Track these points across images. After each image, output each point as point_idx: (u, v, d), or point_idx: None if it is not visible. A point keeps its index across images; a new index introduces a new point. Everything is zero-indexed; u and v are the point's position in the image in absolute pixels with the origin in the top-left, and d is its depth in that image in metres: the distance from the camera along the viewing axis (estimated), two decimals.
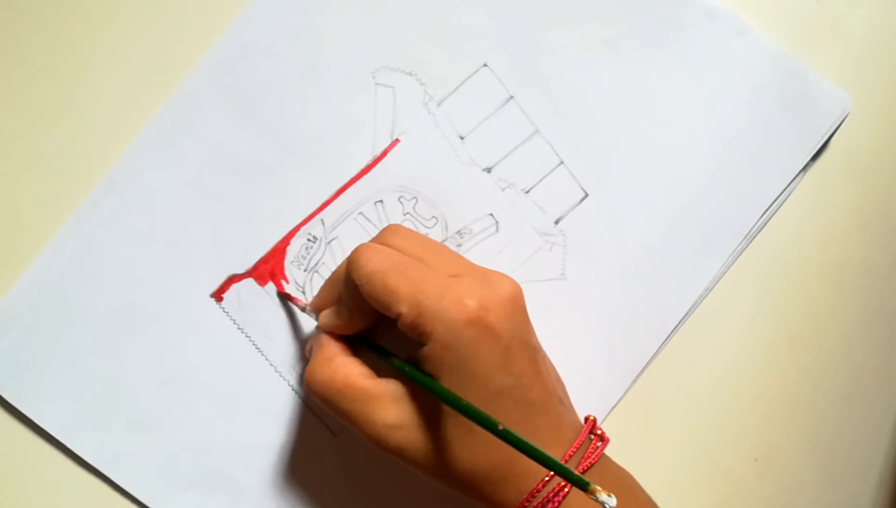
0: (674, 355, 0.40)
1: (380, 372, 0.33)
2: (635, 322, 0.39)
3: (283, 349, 0.38)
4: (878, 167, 0.41)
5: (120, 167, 0.37)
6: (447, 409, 0.31)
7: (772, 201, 0.40)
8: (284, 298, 0.38)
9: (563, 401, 0.33)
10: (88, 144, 0.38)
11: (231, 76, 0.38)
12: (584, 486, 0.25)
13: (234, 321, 0.38)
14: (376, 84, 0.38)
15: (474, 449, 0.31)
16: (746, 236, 0.40)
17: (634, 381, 0.39)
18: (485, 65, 0.39)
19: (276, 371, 0.38)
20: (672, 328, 0.39)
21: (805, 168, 0.40)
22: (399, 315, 0.30)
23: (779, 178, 0.40)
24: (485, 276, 0.32)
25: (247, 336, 0.38)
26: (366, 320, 0.33)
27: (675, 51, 0.39)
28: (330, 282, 0.36)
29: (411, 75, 0.39)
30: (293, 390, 0.38)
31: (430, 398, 0.31)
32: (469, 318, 0.30)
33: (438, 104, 0.39)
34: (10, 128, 0.38)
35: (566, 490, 0.30)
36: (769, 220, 0.40)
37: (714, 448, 0.40)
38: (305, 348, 0.37)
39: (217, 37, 0.38)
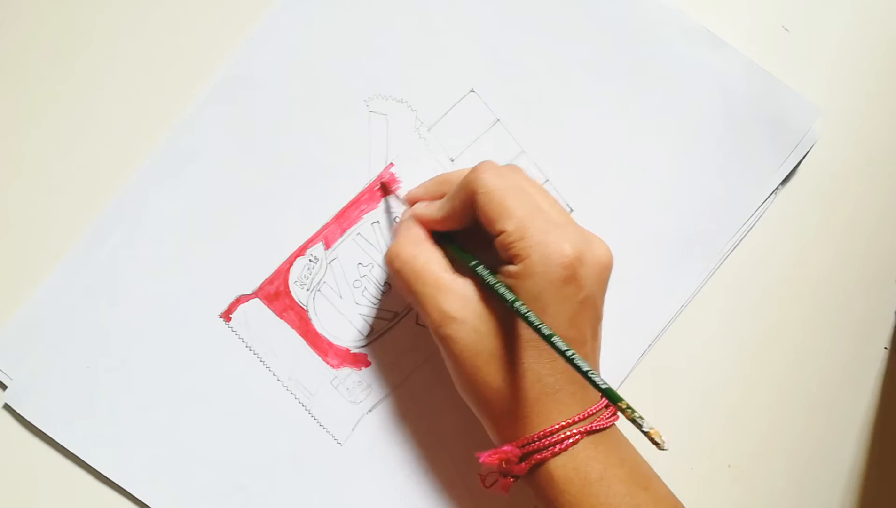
0: (651, 365, 0.41)
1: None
2: (615, 335, 0.40)
3: (289, 365, 0.40)
4: (848, 186, 0.42)
5: (129, 191, 0.39)
6: (504, 328, 0.32)
7: (749, 215, 0.41)
8: (384, 186, 0.40)
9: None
10: (98, 169, 0.39)
11: (233, 106, 0.40)
12: (616, 400, 0.29)
13: (241, 339, 0.40)
14: (370, 112, 0.40)
15: (512, 377, 0.32)
16: (723, 249, 0.41)
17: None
18: (472, 90, 0.41)
19: (283, 386, 0.40)
20: (651, 341, 0.41)
21: (776, 190, 0.41)
22: (503, 232, 0.32)
23: (754, 193, 0.41)
24: (587, 234, 0.34)
25: (254, 353, 0.40)
26: (460, 224, 0.35)
27: (651, 69, 0.41)
28: (437, 181, 0.37)
29: (403, 102, 0.40)
30: (299, 402, 0.40)
31: (494, 314, 0.33)
32: (563, 261, 0.32)
33: (429, 129, 0.41)
34: (21, 152, 0.39)
35: (577, 438, 0.32)
36: (746, 235, 0.42)
37: (689, 454, 0.42)
38: (392, 229, 0.40)
39: (218, 67, 0.40)
